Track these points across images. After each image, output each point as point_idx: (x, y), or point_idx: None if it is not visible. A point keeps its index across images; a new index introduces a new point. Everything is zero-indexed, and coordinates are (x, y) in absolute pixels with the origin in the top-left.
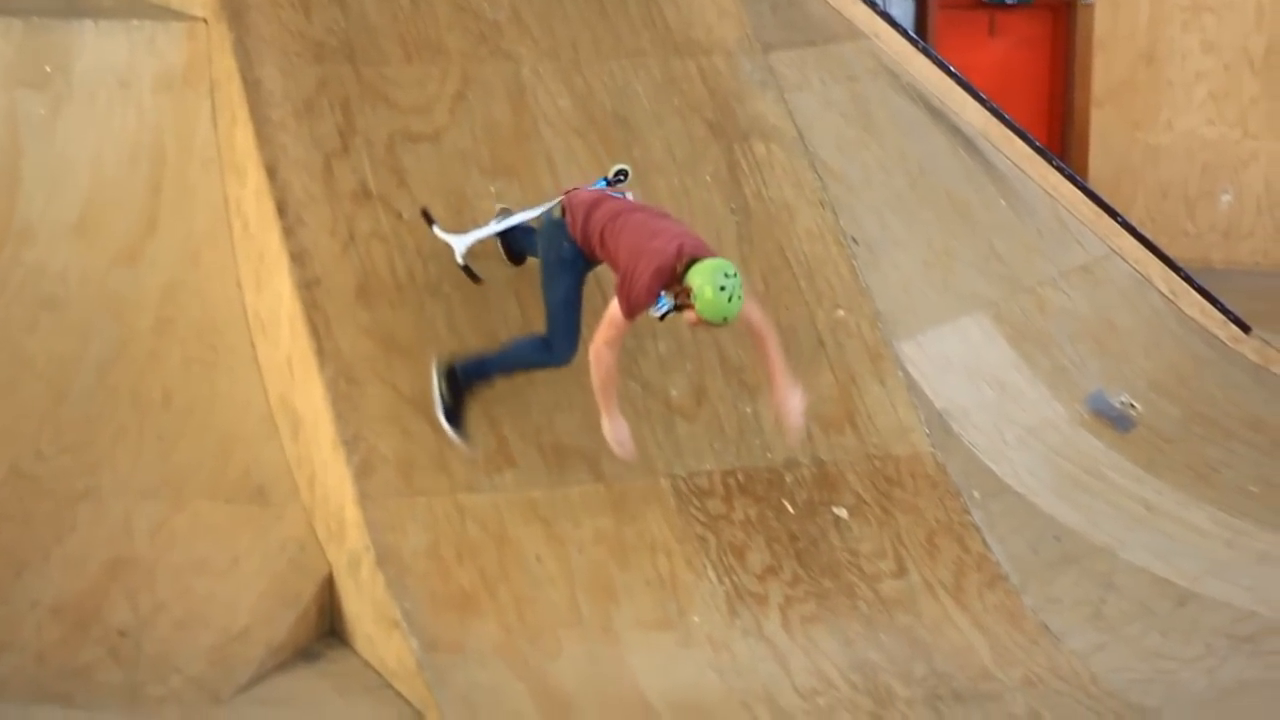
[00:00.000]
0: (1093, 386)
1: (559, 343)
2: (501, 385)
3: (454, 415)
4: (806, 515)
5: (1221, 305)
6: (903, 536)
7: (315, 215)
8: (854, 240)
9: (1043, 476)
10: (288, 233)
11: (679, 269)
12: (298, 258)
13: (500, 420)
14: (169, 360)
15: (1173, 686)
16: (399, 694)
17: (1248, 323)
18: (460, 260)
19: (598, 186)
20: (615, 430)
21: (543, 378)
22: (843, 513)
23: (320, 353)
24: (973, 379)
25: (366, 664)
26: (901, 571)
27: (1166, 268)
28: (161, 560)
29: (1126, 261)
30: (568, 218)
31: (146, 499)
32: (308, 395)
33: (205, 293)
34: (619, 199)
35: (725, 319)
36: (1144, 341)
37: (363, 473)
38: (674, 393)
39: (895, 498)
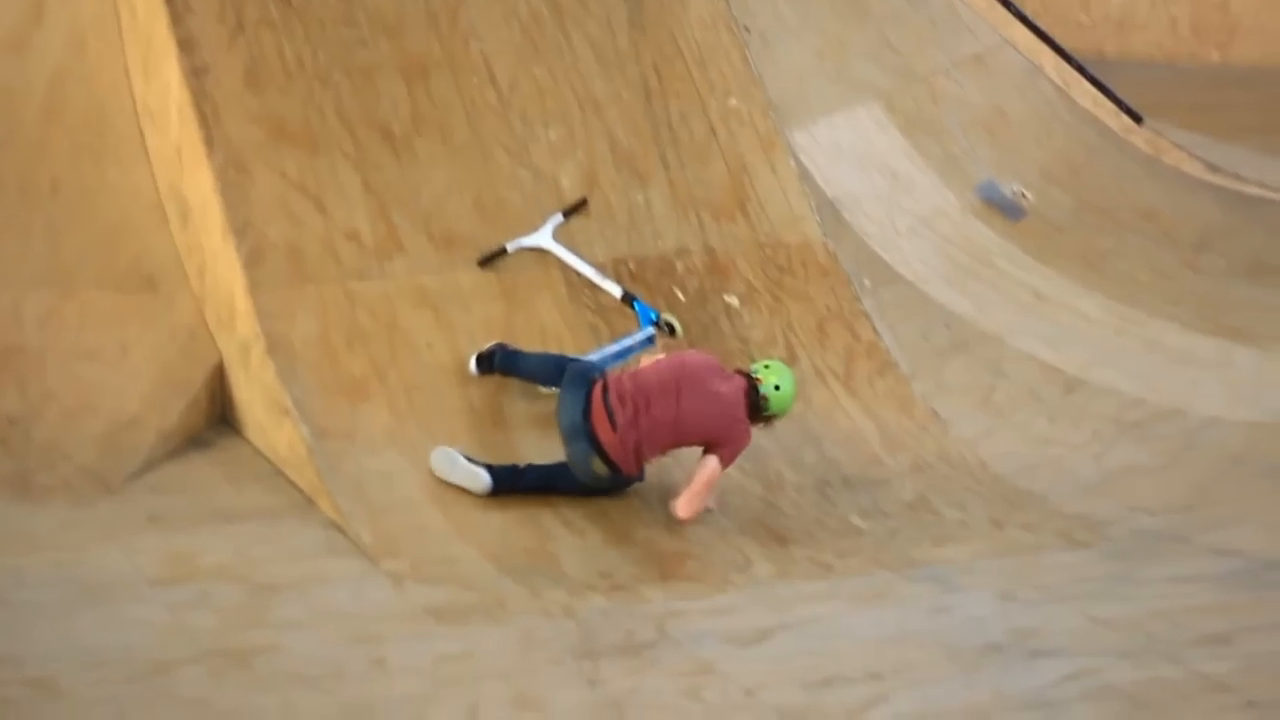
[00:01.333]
0: (984, 175)
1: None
2: (390, 169)
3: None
4: (698, 303)
5: (1114, 95)
6: (793, 324)
7: (203, 2)
8: (746, 29)
9: (934, 265)
10: (175, 20)
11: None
12: (185, 45)
13: (389, 206)
14: (57, 149)
15: (1059, 472)
16: (290, 481)
17: (1140, 113)
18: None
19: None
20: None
21: (430, 158)
22: (734, 301)
23: (209, 141)
24: (864, 168)
25: (257, 451)
26: (792, 359)
27: (1059, 57)
28: (51, 349)
29: (1019, 51)
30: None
31: (35, 288)
32: (197, 183)
33: (93, 81)
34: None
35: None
36: (1036, 131)
37: (252, 261)
38: (565, 180)
39: (786, 286)
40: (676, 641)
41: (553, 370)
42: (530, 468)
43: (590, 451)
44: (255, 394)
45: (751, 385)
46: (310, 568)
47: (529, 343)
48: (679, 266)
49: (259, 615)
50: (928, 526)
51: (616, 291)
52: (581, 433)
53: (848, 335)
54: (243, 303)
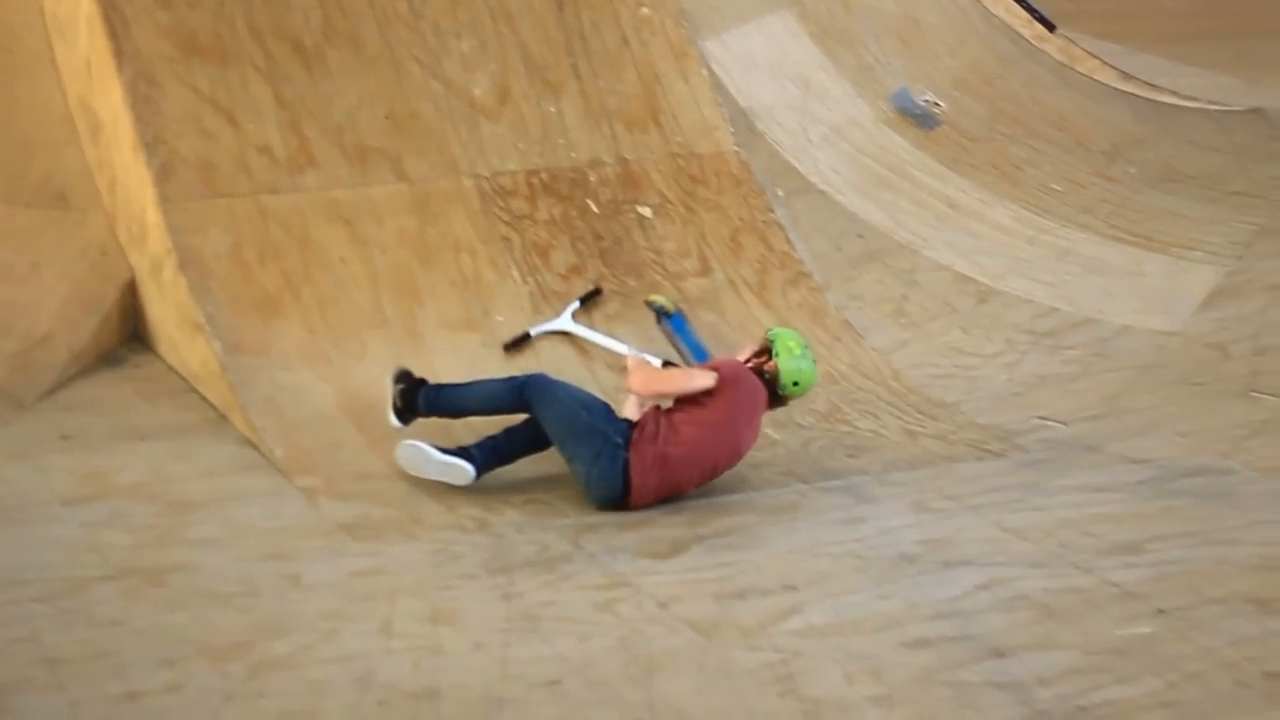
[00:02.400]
0: (898, 84)
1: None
2: (302, 82)
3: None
4: (611, 214)
5: (1026, 4)
6: (707, 235)
7: None
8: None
9: (847, 174)
10: None
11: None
12: None
13: (301, 120)
14: None
15: (973, 381)
16: (203, 397)
17: (1053, 21)
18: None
19: None
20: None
21: (342, 70)
22: (647, 211)
23: (119, 54)
24: (777, 77)
25: (170, 368)
26: (705, 270)
27: None
28: None
29: None
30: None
31: None
32: (107, 98)
33: None
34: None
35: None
36: (949, 39)
37: (163, 175)
38: (477, 92)
39: (699, 196)
40: (591, 555)
41: (506, 395)
42: (508, 435)
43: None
44: (168, 310)
45: (770, 386)
46: (223, 485)
47: (442, 259)
48: (592, 177)
49: (173, 533)
50: (841, 437)
51: (657, 362)
52: (618, 501)
53: (761, 246)
54: (154, 218)
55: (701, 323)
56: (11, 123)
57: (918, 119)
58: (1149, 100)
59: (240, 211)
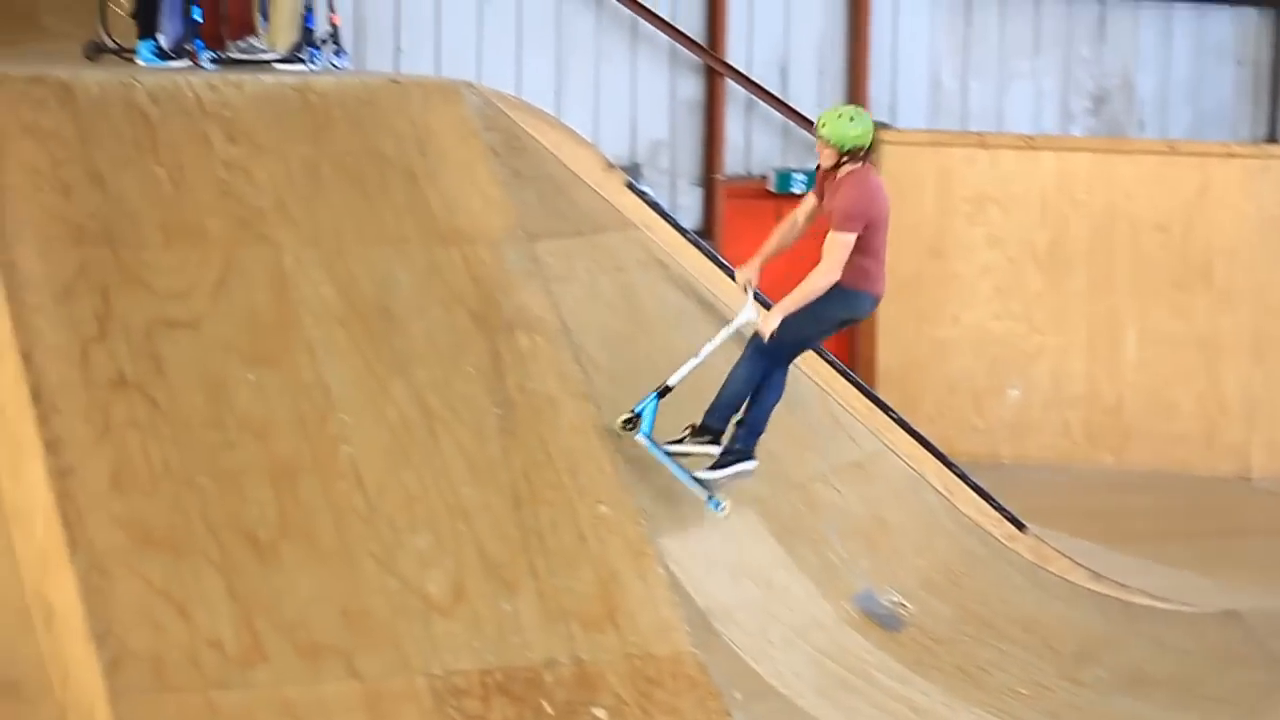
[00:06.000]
0: (862, 585)
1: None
2: (256, 576)
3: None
4: (565, 716)
5: (996, 503)
6: None
7: (71, 402)
8: (617, 434)
9: (807, 677)
10: (42, 420)
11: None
12: (51, 446)
13: (254, 614)
14: None
15: None
16: None
17: (1023, 520)
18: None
19: None
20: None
21: (296, 564)
22: (602, 714)
23: (72, 544)
24: (737, 576)
25: None
26: None
27: (941, 464)
28: None
29: (901, 457)
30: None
31: None
32: (60, 588)
33: None
34: None
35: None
36: (916, 539)
37: (113, 668)
38: (432, 589)
39: (656, 699)
40: None
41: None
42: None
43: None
44: None
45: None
46: None
47: None
48: (547, 678)
49: None
50: None
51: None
52: None
53: None
54: (103, 712)
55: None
56: None
57: (883, 620)
58: (1120, 601)
59: (189, 707)
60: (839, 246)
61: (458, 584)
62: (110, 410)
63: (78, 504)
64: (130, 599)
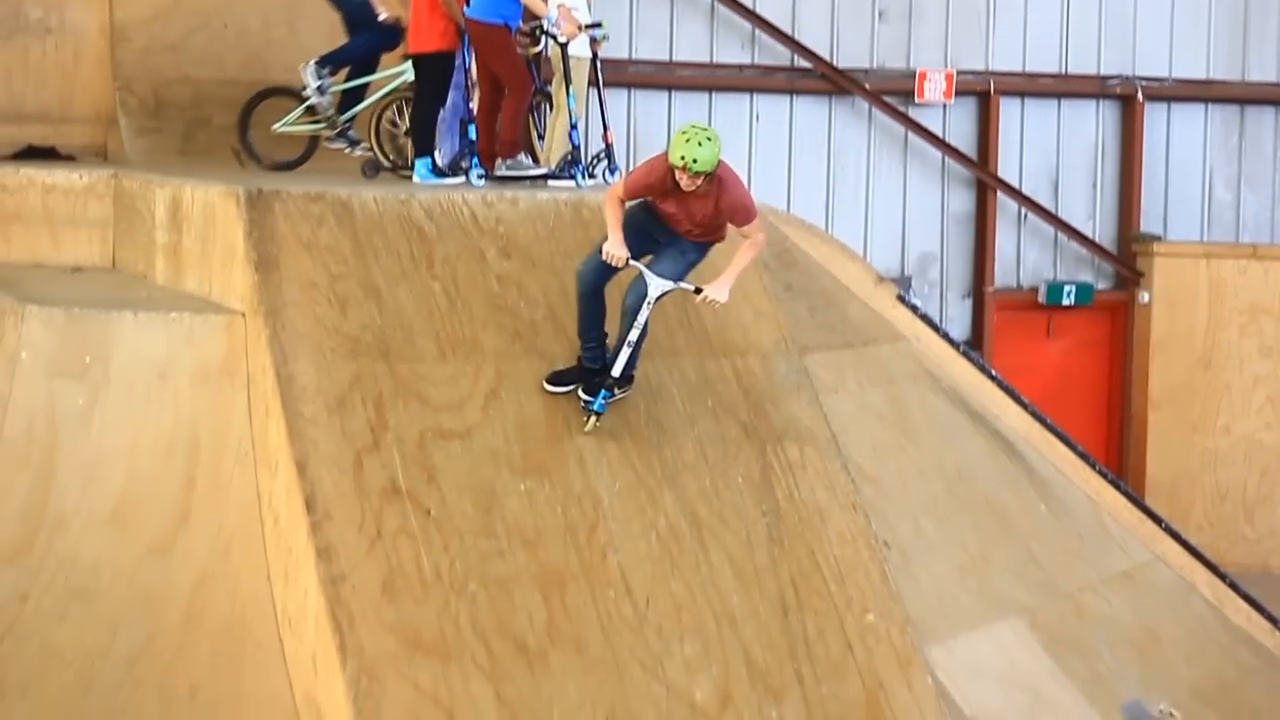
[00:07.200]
0: (1131, 695)
1: None
2: (524, 682)
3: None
4: None
5: (1267, 612)
6: None
7: (343, 510)
8: (886, 544)
9: None
10: (315, 528)
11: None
12: (324, 553)
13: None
14: (197, 654)
15: None
16: None
17: None
18: None
19: None
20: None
21: (563, 671)
22: None
23: (342, 649)
24: (1005, 686)
25: None
26: None
27: (1212, 574)
28: None
29: (1170, 568)
30: None
31: None
32: (330, 692)
33: (235, 586)
34: None
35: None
36: (1187, 649)
37: None
38: (699, 695)
39: None
40: None
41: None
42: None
43: None
44: None
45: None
46: None
47: None
48: None
49: None
50: None
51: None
52: None
53: None
54: None
55: None
56: (238, 715)
57: None
58: None
59: None
60: (756, 229)
61: (724, 691)
62: (382, 518)
63: (349, 609)
64: (399, 703)
